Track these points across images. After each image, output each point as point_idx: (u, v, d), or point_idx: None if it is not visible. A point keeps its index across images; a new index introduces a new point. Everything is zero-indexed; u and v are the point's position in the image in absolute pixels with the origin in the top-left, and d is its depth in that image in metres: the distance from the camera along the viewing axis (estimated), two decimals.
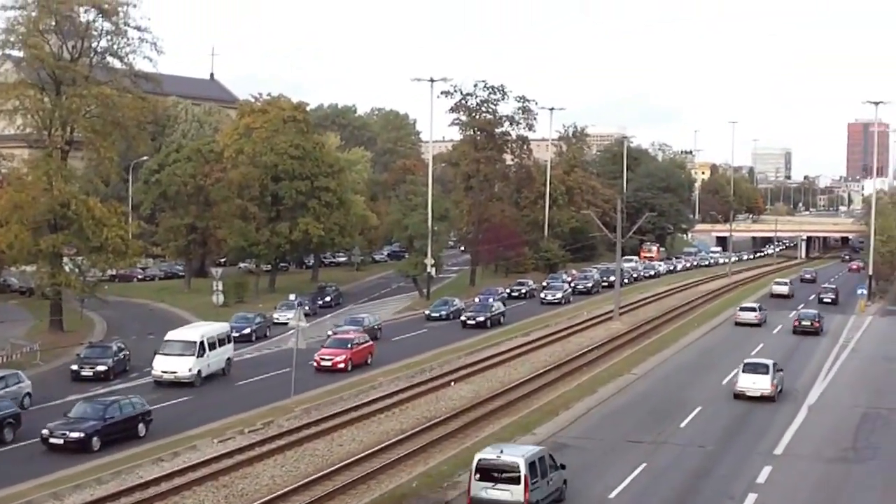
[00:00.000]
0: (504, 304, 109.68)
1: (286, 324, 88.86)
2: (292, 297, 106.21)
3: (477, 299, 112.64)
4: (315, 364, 73.06)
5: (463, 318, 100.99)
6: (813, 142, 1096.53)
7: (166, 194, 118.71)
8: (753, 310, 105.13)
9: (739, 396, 65.08)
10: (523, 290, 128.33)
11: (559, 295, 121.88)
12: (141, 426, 53.64)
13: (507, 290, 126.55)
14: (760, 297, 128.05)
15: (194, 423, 56.44)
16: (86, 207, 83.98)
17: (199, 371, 68.65)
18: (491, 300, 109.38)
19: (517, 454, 40.66)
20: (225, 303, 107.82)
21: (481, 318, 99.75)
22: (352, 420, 57.42)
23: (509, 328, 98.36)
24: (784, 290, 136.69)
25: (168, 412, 59.53)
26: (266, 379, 70.49)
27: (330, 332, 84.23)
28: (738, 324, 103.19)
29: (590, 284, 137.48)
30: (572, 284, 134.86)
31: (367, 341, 78.34)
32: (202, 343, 69.51)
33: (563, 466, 43.41)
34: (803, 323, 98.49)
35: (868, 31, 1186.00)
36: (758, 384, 64.71)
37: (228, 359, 73.51)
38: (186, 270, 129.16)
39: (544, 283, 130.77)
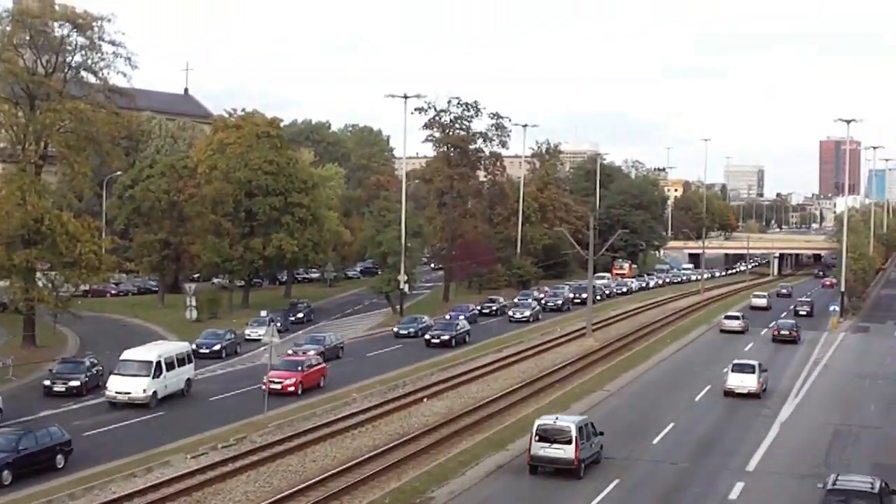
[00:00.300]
0: (475, 321, 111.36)
1: (258, 340, 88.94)
2: (264, 313, 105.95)
3: (447, 316, 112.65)
4: (264, 387, 67.66)
5: (427, 336, 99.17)
6: (785, 159, 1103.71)
7: (140, 210, 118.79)
8: (737, 318, 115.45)
9: (729, 394, 72.26)
10: (494, 307, 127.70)
11: (527, 313, 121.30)
12: (59, 457, 50.53)
13: (479, 307, 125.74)
14: (738, 310, 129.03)
15: (166, 440, 56.05)
16: (59, 222, 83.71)
17: (155, 392, 66.21)
18: (462, 317, 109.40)
19: (569, 421, 50.83)
20: (199, 318, 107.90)
21: (446, 337, 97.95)
22: (325, 436, 57.36)
23: (475, 347, 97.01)
24: (762, 302, 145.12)
25: (135, 430, 59.65)
26: (238, 395, 70.26)
27: (290, 352, 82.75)
28: (722, 331, 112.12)
29: (560, 302, 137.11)
30: (542, 302, 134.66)
31: (319, 363, 75.48)
32: (159, 363, 67.02)
33: (601, 433, 52.62)
34: (782, 332, 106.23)
35: (841, 49, 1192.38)
36: (745, 382, 72.43)
37: (188, 379, 71.17)
38: (160, 286, 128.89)
39: (515, 301, 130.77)
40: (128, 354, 68.69)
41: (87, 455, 51.98)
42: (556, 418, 51.29)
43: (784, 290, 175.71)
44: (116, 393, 65.52)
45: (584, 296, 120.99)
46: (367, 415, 63.39)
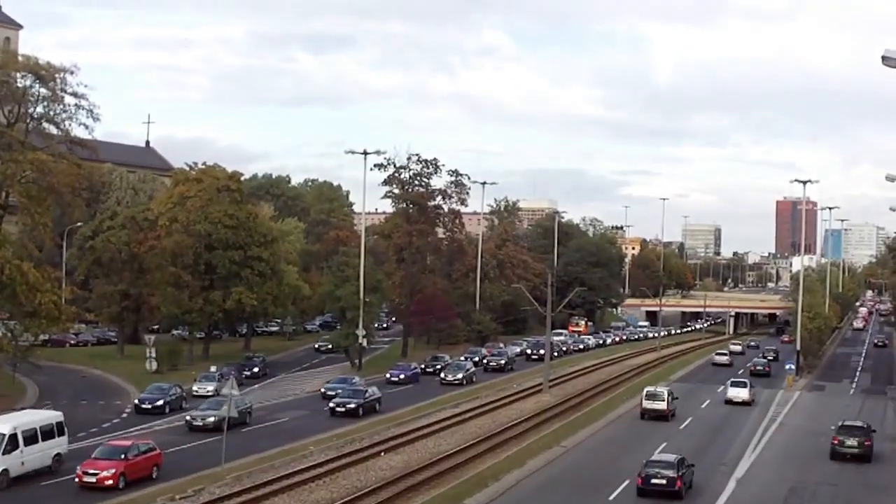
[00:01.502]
0: (417, 380, 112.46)
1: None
2: (213, 368, 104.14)
3: (387, 375, 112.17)
4: (77, 479, 57.27)
5: (331, 404, 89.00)
6: (742, 219, 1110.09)
7: (100, 261, 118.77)
8: (726, 355, 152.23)
9: (729, 402, 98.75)
10: (438, 366, 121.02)
11: (460, 375, 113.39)
12: None
13: (422, 366, 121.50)
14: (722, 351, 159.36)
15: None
16: (19, 272, 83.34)
17: (6, 470, 56.87)
18: (399, 375, 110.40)
19: (663, 388, 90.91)
20: (158, 369, 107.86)
21: (352, 406, 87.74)
22: (283, 488, 57.31)
23: (384, 417, 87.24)
24: (738, 348, 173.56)
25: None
26: (195, 447, 69.92)
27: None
28: (713, 364, 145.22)
29: (503, 361, 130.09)
30: (484, 361, 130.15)
31: (150, 449, 61.62)
32: (13, 436, 57.93)
33: (677, 398, 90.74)
34: (758, 367, 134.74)
35: (798, 110, 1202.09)
36: (740, 394, 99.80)
37: (58, 454, 61.64)
38: (119, 337, 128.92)
39: (457, 359, 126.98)
40: None
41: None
42: (656, 387, 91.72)
43: (752, 343, 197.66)
44: None
45: (542, 352, 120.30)
46: (326, 467, 63.34)
